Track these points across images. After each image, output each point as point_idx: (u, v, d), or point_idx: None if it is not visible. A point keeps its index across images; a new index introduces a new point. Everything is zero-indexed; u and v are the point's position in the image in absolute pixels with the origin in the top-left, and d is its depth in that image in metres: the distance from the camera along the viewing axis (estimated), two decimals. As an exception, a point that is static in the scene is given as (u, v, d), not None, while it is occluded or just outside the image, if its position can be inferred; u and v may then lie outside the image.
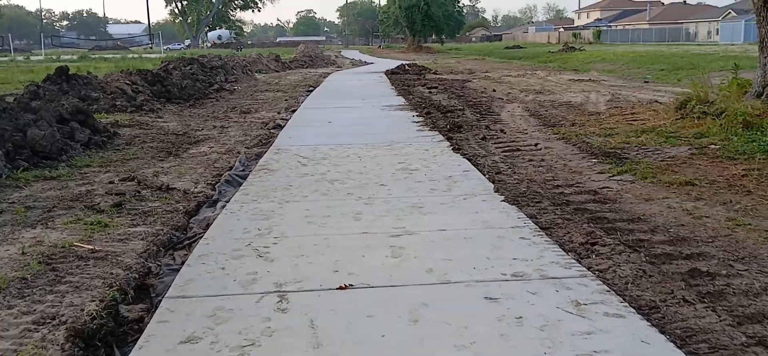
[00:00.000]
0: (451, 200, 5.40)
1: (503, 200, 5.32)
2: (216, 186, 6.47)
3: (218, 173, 7.24)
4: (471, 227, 4.64)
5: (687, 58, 32.23)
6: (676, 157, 6.94)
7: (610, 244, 4.20)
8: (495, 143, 8.47)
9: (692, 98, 9.10)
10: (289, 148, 8.41)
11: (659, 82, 19.71)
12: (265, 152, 8.54)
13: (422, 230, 4.56)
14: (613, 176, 6.27)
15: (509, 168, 6.76)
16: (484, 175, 6.36)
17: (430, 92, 16.84)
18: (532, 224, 4.66)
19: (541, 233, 4.45)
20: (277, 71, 30.34)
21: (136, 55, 48.08)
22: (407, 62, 36.67)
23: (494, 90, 17.51)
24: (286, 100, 16.53)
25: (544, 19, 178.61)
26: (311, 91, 18.98)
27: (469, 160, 7.22)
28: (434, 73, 27.91)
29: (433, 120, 10.93)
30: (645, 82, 19.74)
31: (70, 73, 13.86)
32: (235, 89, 19.33)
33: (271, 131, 10.73)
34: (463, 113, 12.02)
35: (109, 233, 4.83)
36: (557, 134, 9.06)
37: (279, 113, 13.84)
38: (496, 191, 5.64)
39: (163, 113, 13.55)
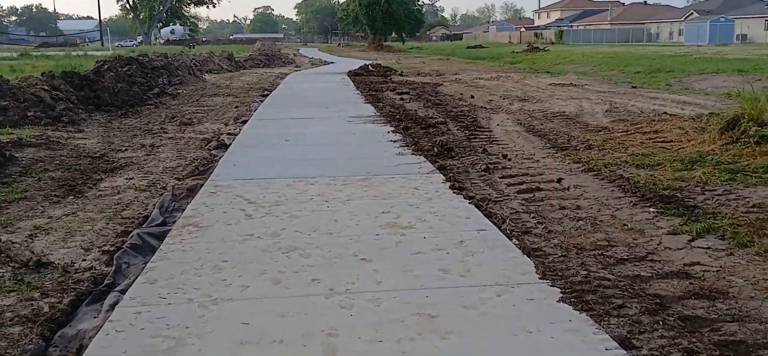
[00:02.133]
0: (478, 299, 3.41)
1: (561, 299, 3.35)
2: (115, 257, 4.35)
3: (126, 228, 5.11)
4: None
5: (659, 59, 31.13)
6: (763, 206, 5.09)
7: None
8: (502, 177, 6.52)
9: (742, 116, 7.29)
10: (231, 184, 6.31)
11: (648, 87, 18.12)
12: (200, 186, 6.44)
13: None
14: (693, 239, 4.37)
15: (539, 224, 4.81)
16: (511, 239, 4.38)
17: (401, 99, 14.85)
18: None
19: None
20: (230, 71, 27.99)
21: (80, 53, 44.86)
22: (370, 62, 34.66)
23: (472, 96, 15.63)
24: (236, 107, 14.34)
25: (502, 18, 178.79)
26: (266, 95, 16.81)
27: (478, 207, 5.24)
28: (400, 74, 25.98)
29: (413, 138, 8.94)
30: (633, 87, 18.13)
31: (-31, 76, 11.46)
32: (178, 93, 17.02)
33: (213, 152, 8.59)
34: (447, 128, 10.07)
35: None
36: (577, 161, 7.16)
37: (226, 124, 11.68)
38: (541, 275, 3.67)
39: (86, 125, 11.26)
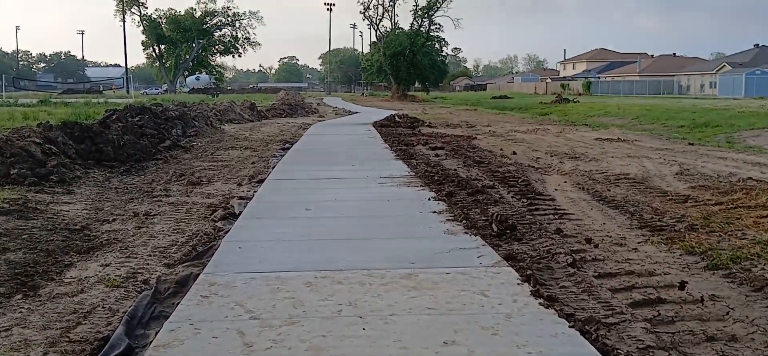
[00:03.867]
0: None
1: None
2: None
3: (68, 363, 3.51)
4: None
5: (701, 113, 29.41)
6: None
7: None
8: (599, 275, 4.84)
9: None
10: (232, 280, 4.71)
11: (708, 145, 16.36)
12: (193, 278, 4.86)
13: None
14: None
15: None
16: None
17: (436, 155, 13.27)
18: None
19: None
20: (251, 121, 26.74)
21: (101, 100, 44.19)
22: (395, 112, 33.32)
23: (514, 153, 14.01)
24: (253, 163, 12.86)
25: (525, 69, 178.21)
26: (287, 149, 15.35)
27: (585, 335, 3.56)
28: (428, 125, 24.53)
29: (461, 208, 7.31)
30: (690, 144, 16.40)
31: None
32: (192, 146, 15.62)
33: (218, 224, 7.03)
34: (499, 194, 8.43)
35: None
36: (690, 251, 5.46)
37: (240, 184, 10.17)
38: None
39: (79, 184, 9.80)
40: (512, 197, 8.30)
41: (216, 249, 5.76)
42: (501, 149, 14.79)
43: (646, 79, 75.90)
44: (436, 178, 9.79)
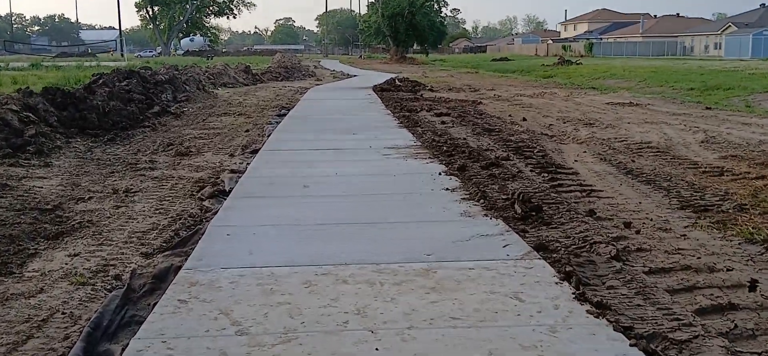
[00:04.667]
0: None
1: None
2: None
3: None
4: None
5: (709, 75, 28.59)
6: None
7: None
8: (650, 270, 4.11)
9: None
10: (217, 279, 3.98)
11: (726, 109, 15.56)
12: (173, 271, 4.15)
13: None
14: None
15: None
16: None
17: (442, 122, 12.48)
18: None
19: None
20: (246, 85, 25.84)
21: (94, 63, 43.04)
22: (396, 76, 32.38)
23: (524, 119, 13.23)
24: (247, 130, 12.08)
25: (525, 30, 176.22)
26: (284, 115, 14.55)
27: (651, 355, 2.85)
28: (430, 89, 23.68)
29: (476, 184, 6.57)
30: (707, 108, 15.60)
31: None
32: (183, 112, 14.81)
33: (205, 203, 6.29)
34: (517, 168, 7.68)
35: None
36: (749, 239, 4.73)
37: (232, 155, 9.42)
38: None
39: (59, 155, 9.03)
40: (531, 170, 7.55)
41: (202, 235, 5.04)
42: (510, 115, 14.00)
43: (649, 41, 74.67)
44: (444, 148, 9.03)
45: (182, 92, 17.07)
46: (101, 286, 4.20)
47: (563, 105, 16.61)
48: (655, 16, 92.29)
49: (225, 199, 6.30)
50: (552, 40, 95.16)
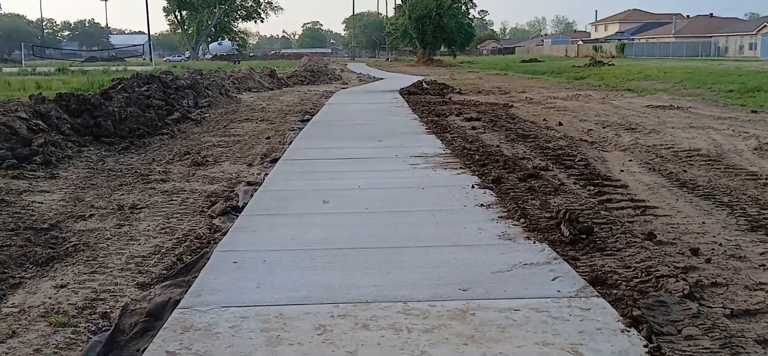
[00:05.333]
0: None
1: None
2: None
3: None
4: None
5: (749, 76, 27.44)
6: None
7: None
8: (732, 315, 3.42)
9: None
10: (215, 322, 3.39)
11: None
12: (172, 304, 3.59)
13: None
14: None
15: None
16: None
17: (472, 128, 11.79)
18: None
19: None
20: (271, 89, 25.40)
21: (121, 67, 43.11)
22: (423, 78, 31.72)
23: (560, 124, 12.49)
24: (268, 137, 11.54)
25: (554, 31, 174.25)
26: (307, 120, 14.00)
27: None
28: (459, 92, 22.97)
29: (515, 200, 5.90)
30: (753, 112, 14.68)
31: None
32: (204, 118, 14.34)
33: (215, 222, 5.72)
34: (558, 180, 6.98)
35: None
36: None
37: (251, 165, 8.87)
38: None
39: (67, 166, 8.57)
40: (574, 182, 6.85)
41: (207, 259, 4.45)
42: (544, 120, 13.26)
43: (683, 41, 72.86)
44: (476, 157, 8.36)
45: (204, 98, 16.61)
46: (84, 327, 3.64)
47: (600, 108, 15.80)
48: (688, 16, 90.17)
49: (237, 217, 5.72)
50: (582, 41, 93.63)
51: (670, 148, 9.44)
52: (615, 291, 3.67)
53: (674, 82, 27.13)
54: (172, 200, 6.69)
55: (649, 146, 9.60)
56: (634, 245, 4.52)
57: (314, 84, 29.89)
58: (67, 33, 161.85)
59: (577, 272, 4.00)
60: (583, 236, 4.69)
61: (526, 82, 31.00)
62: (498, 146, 9.47)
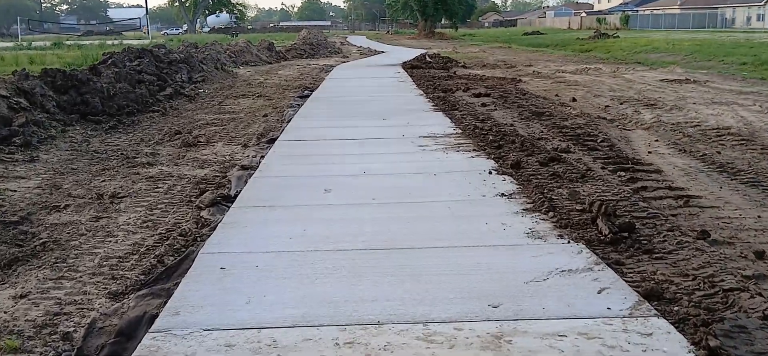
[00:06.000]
0: None
1: None
2: None
3: None
4: None
5: (758, 47, 26.82)
6: None
7: None
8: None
9: None
10: (193, 351, 2.76)
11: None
12: (148, 320, 2.99)
13: None
14: None
15: None
16: None
17: (482, 104, 11.12)
18: None
19: None
20: (269, 63, 24.65)
21: (116, 42, 42.18)
22: (425, 52, 30.92)
23: (574, 99, 11.81)
24: (265, 115, 10.88)
25: (555, 3, 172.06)
26: (306, 96, 13.32)
27: None
28: (463, 66, 22.26)
29: (539, 188, 5.27)
30: (775, 85, 13.99)
31: None
32: (197, 94, 13.65)
33: (203, 215, 5.09)
34: (583, 163, 6.35)
35: None
36: None
37: (246, 146, 8.23)
38: None
39: (48, 148, 7.93)
40: (601, 167, 6.21)
41: (192, 262, 3.84)
42: (556, 95, 12.58)
43: (689, 13, 71.62)
44: (490, 137, 7.71)
45: (198, 72, 15.91)
46: (40, 352, 3.02)
47: (612, 82, 15.11)
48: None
49: (228, 208, 5.09)
50: (586, 13, 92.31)
51: (696, 126, 8.78)
52: (676, 309, 3.05)
53: (684, 55, 26.35)
54: (157, 187, 6.06)
55: (673, 124, 8.95)
56: (686, 246, 3.89)
57: (314, 58, 29.13)
58: (65, 7, 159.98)
59: (626, 281, 3.39)
60: (625, 234, 4.07)
61: (531, 55, 30.20)
62: (511, 124, 8.82)
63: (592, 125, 8.78)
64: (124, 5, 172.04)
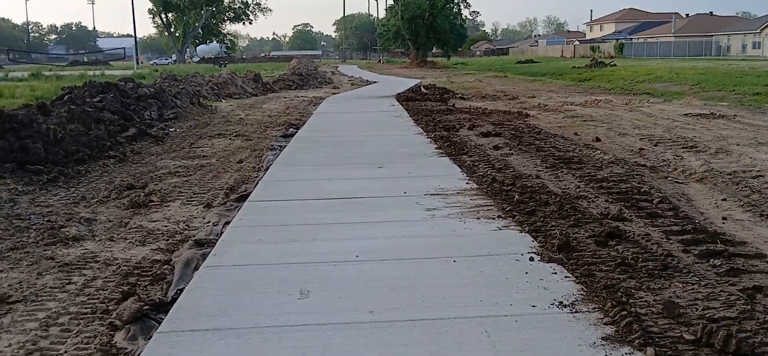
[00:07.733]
0: None
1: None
2: None
3: None
4: None
5: (766, 76, 25.54)
6: None
7: None
8: None
9: None
10: None
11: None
12: None
13: None
14: None
15: None
16: None
17: (494, 147, 9.52)
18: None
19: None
20: (255, 95, 23.07)
21: (98, 72, 40.52)
22: (419, 82, 29.46)
23: (597, 139, 10.25)
24: (240, 161, 9.25)
25: (546, 32, 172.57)
26: (291, 135, 11.70)
27: None
28: (461, 97, 20.79)
29: (609, 289, 3.64)
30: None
31: None
32: (167, 134, 11.99)
33: (117, 338, 3.41)
34: (654, 241, 4.71)
35: None
36: None
37: (209, 206, 6.58)
38: None
39: (-44, 211, 6.22)
40: (682, 248, 4.56)
41: None
42: (576, 133, 11.02)
43: (684, 40, 70.85)
44: (516, 197, 6.08)
45: (171, 108, 14.26)
46: None
47: (632, 117, 13.58)
48: (687, 15, 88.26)
49: (157, 324, 3.42)
50: (578, 41, 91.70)
51: (760, 176, 7.21)
52: None
53: (690, 85, 25.04)
54: (70, 282, 4.37)
55: (729, 175, 7.37)
56: None
57: (303, 89, 27.58)
58: (53, 37, 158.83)
59: None
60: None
61: (530, 85, 28.79)
62: (537, 176, 7.20)
63: (635, 177, 7.18)
64: (115, 34, 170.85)
